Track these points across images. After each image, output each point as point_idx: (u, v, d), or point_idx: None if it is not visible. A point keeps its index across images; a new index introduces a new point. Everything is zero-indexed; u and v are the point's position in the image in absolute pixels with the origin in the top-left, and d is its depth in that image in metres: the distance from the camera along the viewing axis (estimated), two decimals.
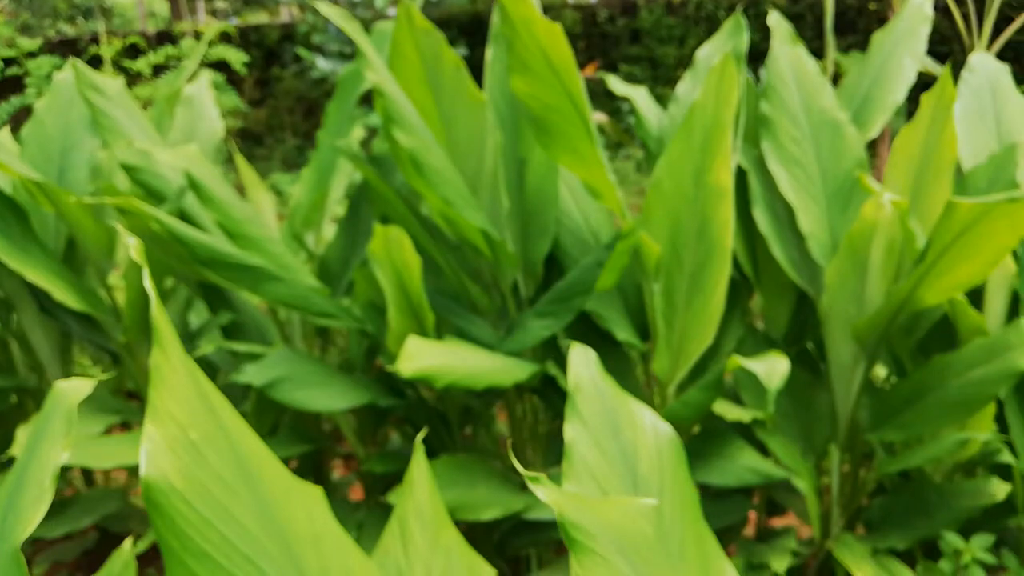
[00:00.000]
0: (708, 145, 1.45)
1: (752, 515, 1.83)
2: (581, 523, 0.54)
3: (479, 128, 1.52)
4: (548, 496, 0.53)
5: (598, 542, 0.54)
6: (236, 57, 3.75)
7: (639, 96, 1.66)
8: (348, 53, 5.95)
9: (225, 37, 4.40)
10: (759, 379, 1.21)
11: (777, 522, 1.91)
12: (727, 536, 1.73)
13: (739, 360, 1.23)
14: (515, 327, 1.52)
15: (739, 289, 1.65)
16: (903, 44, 1.59)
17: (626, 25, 7.37)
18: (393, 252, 1.27)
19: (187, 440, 0.53)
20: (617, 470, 0.80)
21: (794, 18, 6.56)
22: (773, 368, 1.21)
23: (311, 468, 1.91)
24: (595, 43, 7.49)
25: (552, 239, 1.61)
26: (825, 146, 1.53)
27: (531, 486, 0.53)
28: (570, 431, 0.79)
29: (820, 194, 1.53)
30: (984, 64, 1.72)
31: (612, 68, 7.38)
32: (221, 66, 4.30)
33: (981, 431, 1.48)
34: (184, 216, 1.60)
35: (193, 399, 0.54)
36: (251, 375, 1.40)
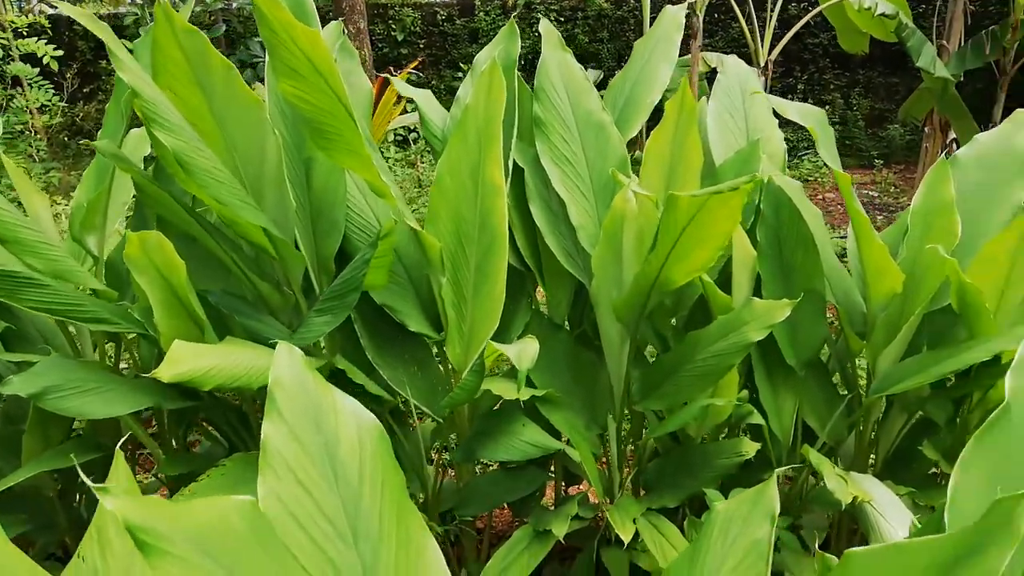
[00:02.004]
0: (482, 144, 1.55)
1: (552, 485, 1.97)
2: (152, 527, 0.56)
3: (257, 128, 1.54)
4: (112, 503, 0.56)
5: (174, 544, 0.57)
6: (45, 50, 3.50)
7: (422, 98, 1.73)
8: None
9: (41, 29, 4.09)
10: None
11: (575, 490, 2.05)
12: (526, 506, 1.85)
13: (494, 345, 1.33)
14: (300, 324, 1.55)
15: (524, 279, 1.76)
16: (659, 50, 1.75)
17: (464, 25, 7.48)
18: (154, 256, 1.27)
19: None
20: (316, 460, 0.86)
21: (618, 21, 6.80)
22: (523, 351, 1.32)
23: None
24: (435, 42, 7.55)
25: (341, 235, 1.66)
26: (591, 145, 1.67)
27: (98, 496, 0.56)
28: (267, 427, 0.84)
29: (588, 189, 1.67)
30: (735, 67, 1.92)
31: (454, 67, 7.46)
32: (39, 60, 4.01)
33: (728, 397, 1.68)
34: None
35: None
36: (17, 386, 1.36)
